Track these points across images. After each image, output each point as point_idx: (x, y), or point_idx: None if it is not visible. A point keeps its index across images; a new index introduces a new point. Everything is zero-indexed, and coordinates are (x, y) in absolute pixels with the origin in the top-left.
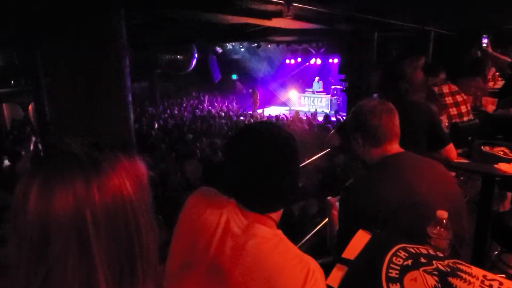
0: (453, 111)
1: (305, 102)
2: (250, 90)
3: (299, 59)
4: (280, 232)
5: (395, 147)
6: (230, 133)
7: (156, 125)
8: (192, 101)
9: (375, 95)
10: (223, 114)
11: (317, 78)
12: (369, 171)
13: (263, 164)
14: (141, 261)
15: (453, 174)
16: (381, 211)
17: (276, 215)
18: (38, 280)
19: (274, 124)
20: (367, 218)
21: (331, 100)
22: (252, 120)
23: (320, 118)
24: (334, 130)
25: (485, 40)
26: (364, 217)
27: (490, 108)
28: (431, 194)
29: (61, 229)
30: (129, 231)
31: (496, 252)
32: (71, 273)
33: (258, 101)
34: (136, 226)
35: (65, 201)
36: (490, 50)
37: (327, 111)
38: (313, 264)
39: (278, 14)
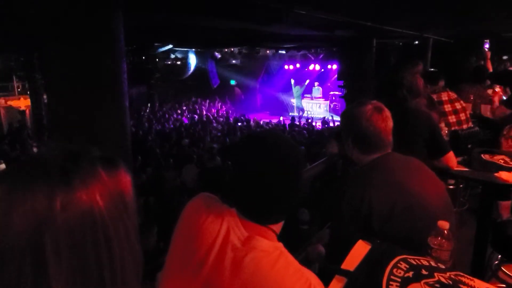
0: (452, 118)
1: (304, 107)
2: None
3: (298, 65)
4: (281, 245)
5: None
6: (227, 138)
7: (154, 130)
8: (190, 106)
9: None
10: (221, 119)
11: (316, 83)
12: (359, 175)
13: (266, 175)
14: None
15: (453, 181)
16: (377, 215)
17: (277, 227)
18: None
19: (278, 133)
20: (363, 222)
21: (329, 106)
22: (252, 125)
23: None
24: (333, 137)
25: (486, 45)
26: (360, 221)
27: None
28: (424, 193)
29: (15, 250)
30: (98, 256)
31: (496, 262)
32: None
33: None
34: (108, 251)
35: (22, 219)
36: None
37: (326, 116)
38: (314, 280)
39: (278, 20)
